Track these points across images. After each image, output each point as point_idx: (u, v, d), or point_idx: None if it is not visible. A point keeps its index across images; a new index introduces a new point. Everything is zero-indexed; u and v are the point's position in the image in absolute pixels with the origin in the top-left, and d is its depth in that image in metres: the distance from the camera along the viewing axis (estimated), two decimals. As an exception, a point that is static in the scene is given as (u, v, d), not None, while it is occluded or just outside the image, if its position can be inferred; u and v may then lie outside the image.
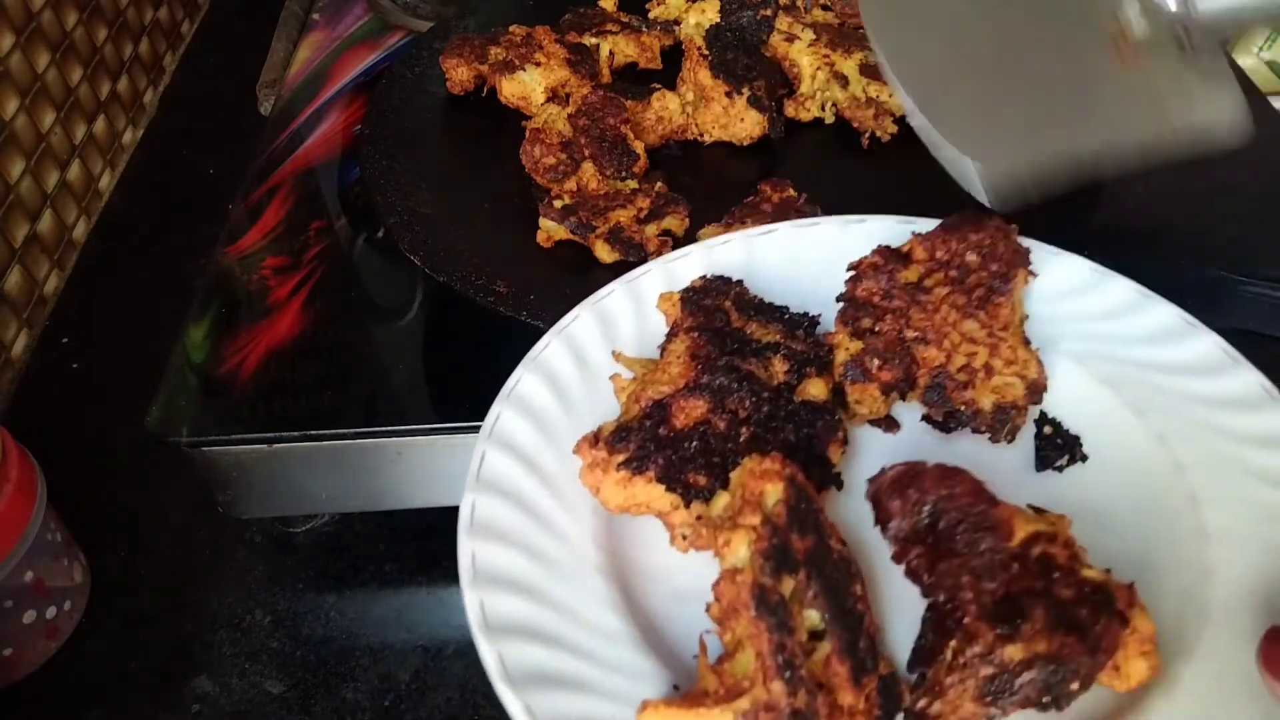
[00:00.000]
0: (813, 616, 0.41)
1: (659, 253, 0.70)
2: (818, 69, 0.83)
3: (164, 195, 1.04)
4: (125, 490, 0.77)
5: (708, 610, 0.41)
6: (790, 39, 0.85)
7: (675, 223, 0.73)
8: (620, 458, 0.47)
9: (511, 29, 0.86)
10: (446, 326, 0.72)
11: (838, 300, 0.55)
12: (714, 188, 0.79)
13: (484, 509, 0.48)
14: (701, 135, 0.82)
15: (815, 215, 0.71)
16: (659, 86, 0.81)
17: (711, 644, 0.41)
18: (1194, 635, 0.44)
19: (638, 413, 0.49)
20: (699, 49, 0.80)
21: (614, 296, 0.59)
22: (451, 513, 0.70)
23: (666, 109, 0.80)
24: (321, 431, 0.65)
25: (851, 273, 0.56)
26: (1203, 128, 0.51)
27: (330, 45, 1.00)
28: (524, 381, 0.54)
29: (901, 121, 0.82)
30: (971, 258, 0.56)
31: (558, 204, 0.72)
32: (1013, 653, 0.40)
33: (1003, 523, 0.44)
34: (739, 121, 0.80)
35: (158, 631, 0.69)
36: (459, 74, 0.86)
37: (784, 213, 0.70)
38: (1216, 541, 0.47)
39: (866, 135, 0.81)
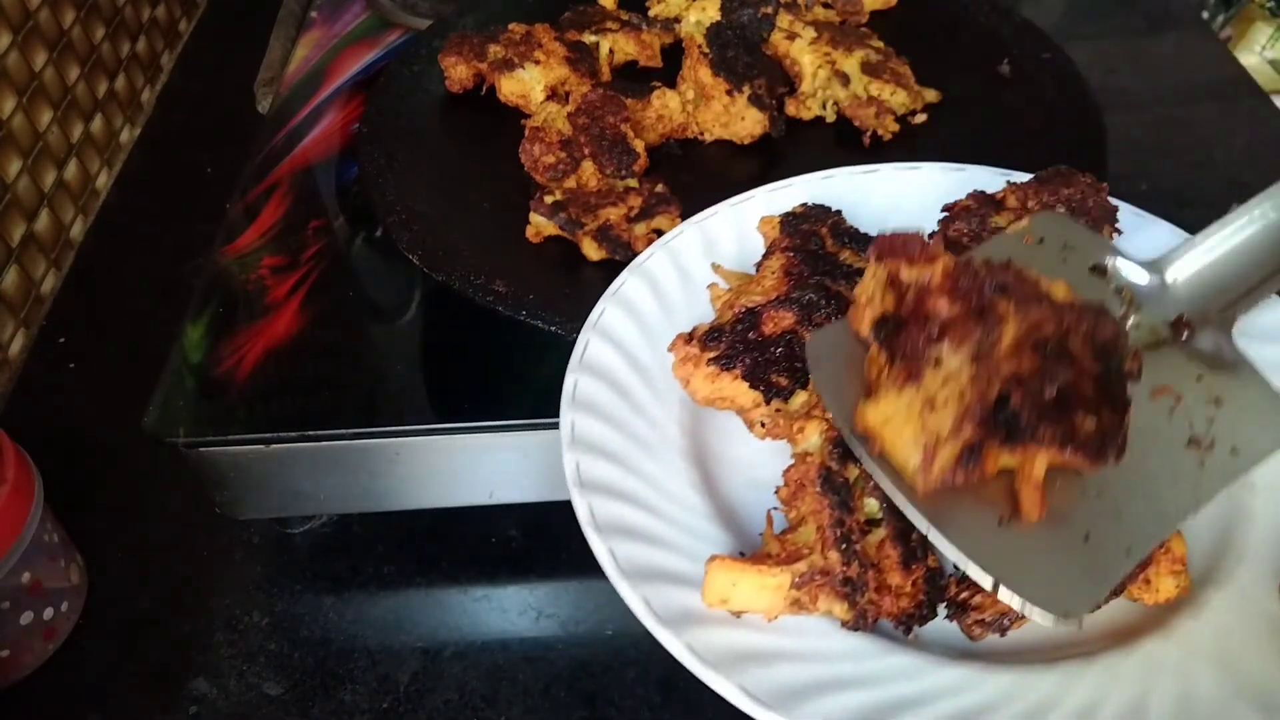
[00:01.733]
0: (872, 505, 0.45)
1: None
2: (819, 67, 0.82)
3: (161, 194, 1.03)
4: (123, 491, 0.77)
5: (777, 493, 0.46)
6: (791, 37, 0.84)
7: (666, 222, 0.72)
8: (711, 354, 0.52)
9: (511, 27, 0.86)
10: (445, 326, 0.72)
11: (929, 237, 0.56)
12: (715, 186, 0.78)
13: (584, 387, 0.52)
14: (702, 134, 0.81)
15: None
16: (659, 85, 0.81)
17: (778, 521, 0.46)
18: (1227, 569, 0.47)
19: (731, 317, 0.53)
20: (699, 47, 0.80)
21: (717, 218, 0.62)
22: (450, 514, 0.70)
23: (667, 107, 0.80)
24: (320, 432, 0.64)
25: (945, 214, 0.59)
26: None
27: (328, 43, 1.00)
28: (629, 284, 0.58)
29: (903, 120, 0.82)
30: (1060, 210, 0.58)
31: (548, 199, 0.72)
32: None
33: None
34: (740, 120, 0.79)
35: (155, 633, 0.69)
36: (458, 72, 0.85)
37: None
38: (1262, 491, 0.49)
39: (868, 134, 0.81)
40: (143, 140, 1.10)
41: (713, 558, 0.42)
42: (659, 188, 0.74)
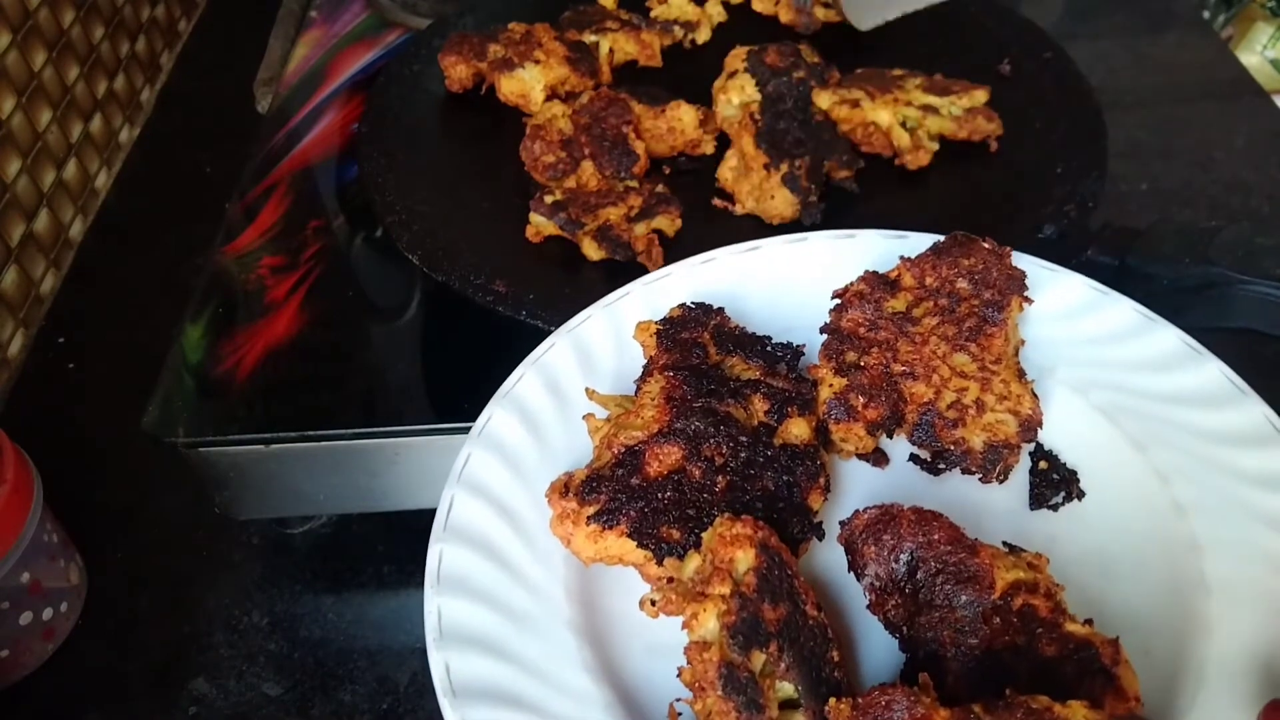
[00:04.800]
0: (786, 688, 0.40)
1: (647, 252, 0.69)
2: (896, 114, 0.77)
3: (161, 194, 1.03)
4: (122, 491, 0.77)
5: (680, 675, 0.40)
6: (854, 105, 0.77)
7: (666, 223, 0.72)
8: (591, 510, 0.46)
9: (511, 26, 0.86)
10: (445, 326, 0.72)
11: (821, 331, 0.53)
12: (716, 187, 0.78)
13: (452, 560, 0.46)
14: (735, 204, 0.75)
15: None
16: (680, 100, 0.79)
17: (684, 711, 0.40)
18: (1188, 698, 0.41)
19: (610, 459, 0.48)
20: (751, 113, 0.75)
21: (591, 323, 0.56)
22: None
23: (680, 120, 0.78)
24: (319, 432, 0.64)
25: (836, 301, 0.54)
26: None
27: (328, 43, 1.00)
28: (495, 418, 0.52)
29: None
30: (963, 284, 0.54)
31: (548, 199, 0.72)
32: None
33: (983, 572, 0.42)
34: (769, 198, 0.72)
35: (154, 633, 0.69)
36: (458, 72, 0.85)
37: None
38: (1217, 594, 0.44)
39: (992, 140, 0.78)
40: (142, 140, 1.09)
41: None
42: (659, 188, 0.74)
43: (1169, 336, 0.54)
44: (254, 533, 0.74)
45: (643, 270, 0.69)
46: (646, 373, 0.52)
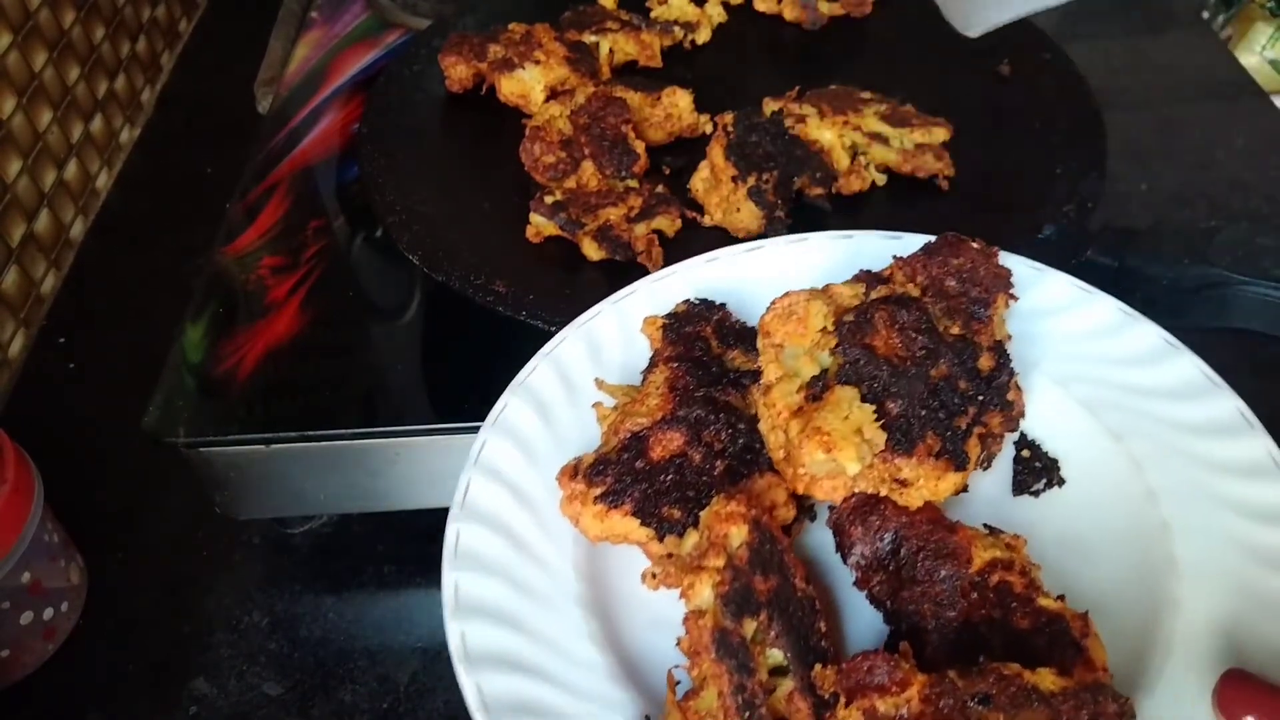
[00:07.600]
0: (776, 655, 0.43)
1: (647, 252, 0.69)
2: (841, 137, 0.76)
3: (161, 194, 1.03)
4: (122, 491, 0.77)
5: (679, 644, 0.42)
6: (800, 120, 0.76)
7: (666, 223, 0.72)
8: (598, 490, 0.49)
9: (511, 27, 0.86)
10: (445, 326, 0.72)
11: None
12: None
13: (469, 538, 0.49)
14: (705, 216, 0.74)
15: None
16: (676, 89, 0.79)
17: (682, 678, 0.43)
18: (1155, 669, 0.44)
19: (616, 444, 0.50)
20: (724, 125, 0.74)
21: (600, 319, 0.59)
22: (450, 514, 0.70)
23: (676, 106, 0.79)
24: (319, 432, 0.64)
25: None
26: None
27: (328, 43, 1.00)
28: (510, 407, 0.54)
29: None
30: (951, 283, 0.55)
31: (548, 199, 0.72)
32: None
33: (962, 549, 0.45)
34: (735, 211, 0.72)
35: (155, 633, 0.69)
36: (458, 72, 0.85)
37: None
38: (1185, 574, 0.47)
39: (943, 178, 0.76)
40: (143, 140, 1.10)
41: None
42: (659, 188, 0.74)
43: (1148, 332, 0.56)
44: (254, 533, 0.74)
45: (643, 270, 0.69)
46: (652, 364, 0.55)
